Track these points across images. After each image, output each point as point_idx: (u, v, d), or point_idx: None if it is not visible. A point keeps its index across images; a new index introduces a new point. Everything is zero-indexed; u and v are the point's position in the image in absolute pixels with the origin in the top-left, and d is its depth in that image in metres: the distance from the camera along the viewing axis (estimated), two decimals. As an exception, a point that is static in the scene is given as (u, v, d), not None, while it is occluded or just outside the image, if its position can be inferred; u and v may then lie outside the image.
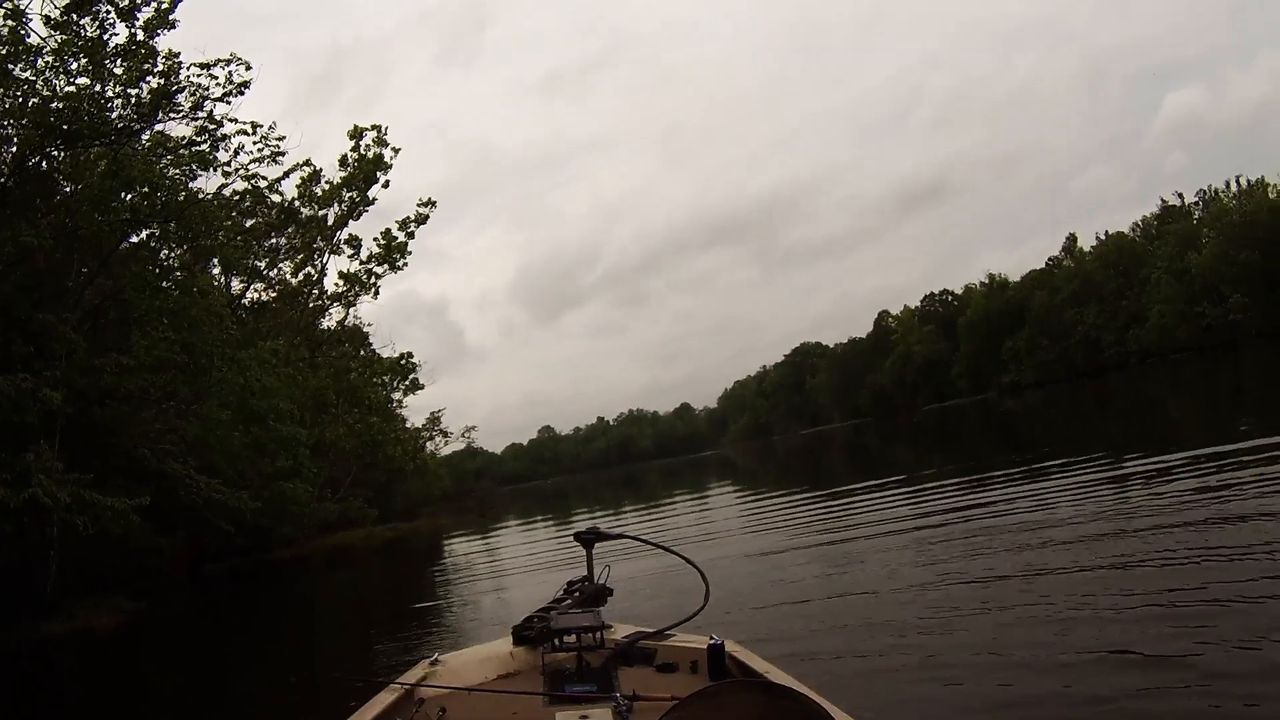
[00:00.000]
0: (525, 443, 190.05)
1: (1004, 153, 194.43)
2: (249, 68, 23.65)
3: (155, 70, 21.24)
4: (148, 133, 22.59)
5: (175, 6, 21.48)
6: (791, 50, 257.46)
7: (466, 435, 53.51)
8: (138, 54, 20.82)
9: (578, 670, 3.10)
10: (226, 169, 28.33)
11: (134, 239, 22.80)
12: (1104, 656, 5.00)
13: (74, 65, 20.20)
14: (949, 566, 8.29)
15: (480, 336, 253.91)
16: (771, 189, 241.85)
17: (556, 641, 3.25)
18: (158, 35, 21.28)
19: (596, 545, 3.95)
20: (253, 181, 31.62)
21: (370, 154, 36.28)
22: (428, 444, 47.28)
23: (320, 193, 36.66)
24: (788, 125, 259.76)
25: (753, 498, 23.92)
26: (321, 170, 36.44)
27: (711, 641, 3.13)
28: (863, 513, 13.86)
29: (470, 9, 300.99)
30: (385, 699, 3.01)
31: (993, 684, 4.94)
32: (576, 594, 3.79)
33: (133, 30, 20.87)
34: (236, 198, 32.09)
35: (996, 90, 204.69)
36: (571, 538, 4.04)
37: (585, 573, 3.98)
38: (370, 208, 37.02)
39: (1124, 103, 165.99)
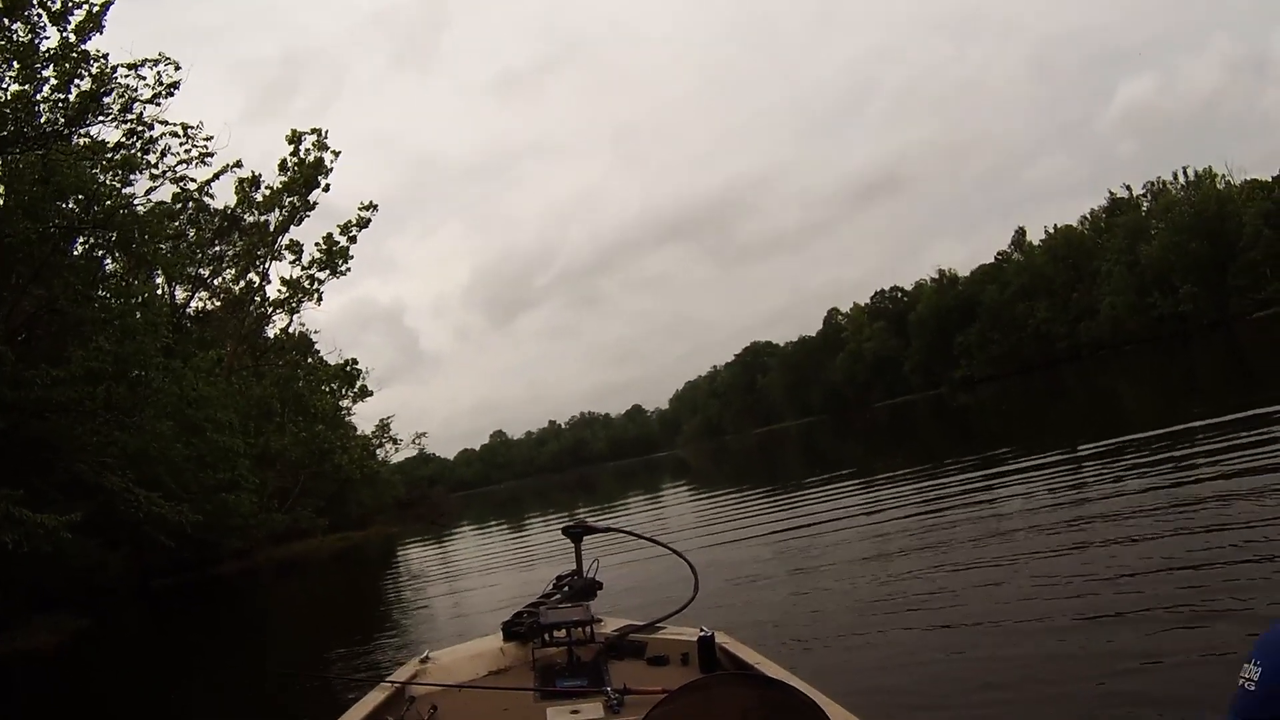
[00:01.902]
0: (478, 448, 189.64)
1: (956, 143, 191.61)
2: (178, 68, 23.25)
3: (88, 73, 20.74)
4: (77, 137, 21.97)
5: (106, 9, 21.02)
6: (740, 46, 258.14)
7: (417, 442, 52.96)
8: (68, 58, 20.28)
9: (568, 665, 3.09)
10: (155, 171, 27.79)
11: (72, 249, 22.16)
12: (1083, 631, 5.07)
13: (7, 73, 19.65)
14: (928, 557, 8.28)
15: (436, 342, 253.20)
16: (724, 185, 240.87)
17: (547, 636, 3.25)
18: (88, 38, 20.79)
19: (585, 539, 3.93)
20: (182, 184, 31.12)
21: (310, 158, 35.86)
22: (378, 451, 46.70)
23: (261, 198, 36.13)
24: (738, 120, 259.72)
25: (708, 497, 23.91)
26: (261, 175, 35.98)
27: (702, 633, 3.09)
28: (827, 510, 13.77)
29: (422, 15, 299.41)
30: (376, 697, 2.99)
31: (983, 670, 4.90)
32: (566, 588, 3.77)
33: (64, 34, 20.36)
34: (178, 206, 31.55)
35: (947, 80, 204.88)
36: (560, 532, 4.01)
37: (569, 568, 3.95)
38: (311, 212, 36.77)
39: (1075, 91, 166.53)
